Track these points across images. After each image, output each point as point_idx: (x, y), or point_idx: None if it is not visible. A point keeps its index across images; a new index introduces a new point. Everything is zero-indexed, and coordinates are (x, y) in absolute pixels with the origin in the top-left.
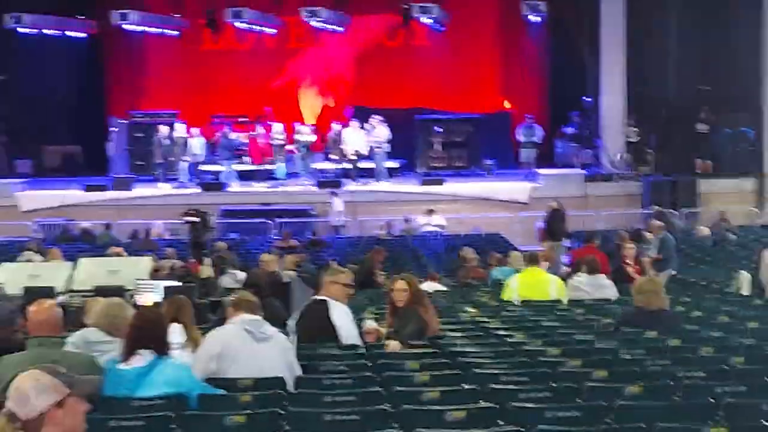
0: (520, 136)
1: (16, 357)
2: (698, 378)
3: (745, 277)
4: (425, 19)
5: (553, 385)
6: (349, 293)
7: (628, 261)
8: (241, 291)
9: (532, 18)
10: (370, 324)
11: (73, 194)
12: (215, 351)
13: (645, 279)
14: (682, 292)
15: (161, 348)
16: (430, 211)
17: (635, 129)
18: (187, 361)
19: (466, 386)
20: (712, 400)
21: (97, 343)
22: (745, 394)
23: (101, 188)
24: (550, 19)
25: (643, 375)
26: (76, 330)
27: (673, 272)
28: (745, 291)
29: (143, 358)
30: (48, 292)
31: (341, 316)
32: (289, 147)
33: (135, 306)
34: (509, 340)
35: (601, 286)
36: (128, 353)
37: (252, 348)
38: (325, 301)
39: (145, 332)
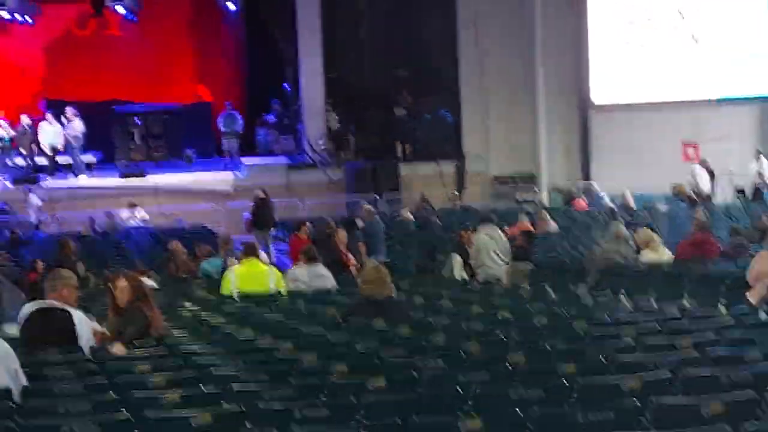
0: (221, 126)
1: None
2: (438, 368)
3: (457, 260)
4: (118, 8)
5: (294, 382)
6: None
7: (341, 249)
8: None
9: (228, 5)
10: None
11: None
12: None
13: (370, 268)
14: (396, 278)
15: None
16: (132, 205)
17: (335, 116)
18: None
19: (205, 388)
20: (459, 391)
21: None
22: (489, 383)
23: None
24: (246, 7)
25: (382, 367)
26: None
27: (383, 259)
28: (458, 274)
29: None
30: None
31: (82, 323)
32: None
33: None
34: (239, 337)
35: (320, 276)
36: None
37: None
38: (65, 310)
39: None
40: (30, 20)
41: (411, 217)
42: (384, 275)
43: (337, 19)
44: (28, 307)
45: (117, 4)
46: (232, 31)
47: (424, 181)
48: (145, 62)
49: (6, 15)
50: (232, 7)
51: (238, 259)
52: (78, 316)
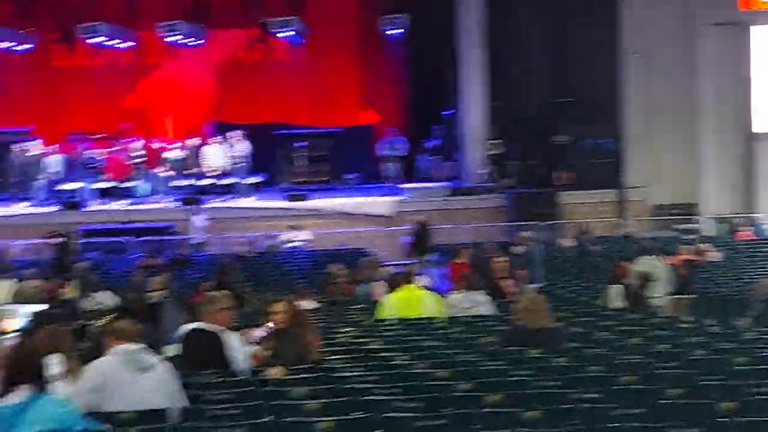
0: (383, 150)
1: None
2: (593, 400)
3: (615, 289)
4: (284, 33)
5: (448, 410)
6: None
7: (500, 275)
8: (118, 318)
9: (391, 31)
10: (251, 348)
11: None
12: (95, 383)
13: (527, 296)
14: (553, 306)
15: (39, 383)
16: (294, 227)
17: (497, 141)
18: (67, 393)
19: (358, 415)
20: (615, 424)
21: None
22: (644, 417)
23: None
24: (410, 33)
25: (536, 398)
26: None
27: (539, 286)
28: (616, 304)
29: (20, 394)
30: None
31: (235, 346)
32: (150, 163)
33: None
34: (394, 362)
35: (478, 303)
36: (4, 389)
37: (134, 379)
38: (215, 333)
39: (22, 367)
40: (199, 44)
41: (571, 244)
42: (541, 304)
43: (500, 46)
44: (184, 329)
45: (284, 30)
46: (397, 57)
47: (585, 209)
48: (310, 85)
49: (176, 39)
50: (396, 32)
51: (390, 284)
52: (230, 339)
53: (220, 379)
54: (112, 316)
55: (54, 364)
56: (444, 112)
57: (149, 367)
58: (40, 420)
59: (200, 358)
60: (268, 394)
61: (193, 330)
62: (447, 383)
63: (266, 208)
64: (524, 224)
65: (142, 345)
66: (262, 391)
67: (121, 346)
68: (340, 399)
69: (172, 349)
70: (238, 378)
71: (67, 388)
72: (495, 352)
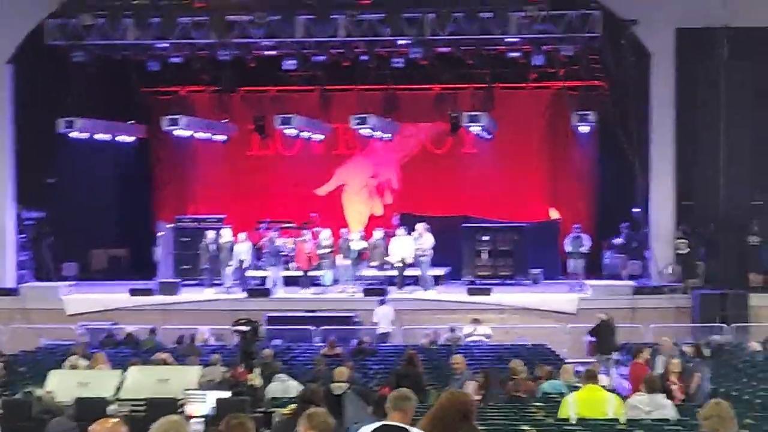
0: (568, 246)
1: None
2: None
3: None
4: (474, 128)
5: None
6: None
7: (672, 378)
8: (301, 408)
9: (581, 128)
10: None
11: (119, 298)
12: None
13: (712, 402)
14: (740, 413)
15: None
16: (476, 320)
17: (685, 241)
18: None
19: None
20: None
21: None
22: None
23: (146, 292)
24: (599, 129)
25: None
26: None
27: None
28: None
29: None
30: (100, 404)
31: None
32: (337, 253)
33: (186, 417)
34: None
35: (661, 406)
36: None
37: None
38: (406, 429)
39: None
40: (388, 136)
41: (759, 348)
42: (725, 410)
43: (691, 145)
44: (369, 427)
45: (473, 124)
46: (585, 153)
47: None
48: (497, 180)
49: (367, 132)
50: (585, 129)
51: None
52: None
53: None
54: (294, 405)
55: None
56: (632, 210)
57: None
58: None
59: None
60: None
61: (384, 426)
62: None
63: (449, 301)
64: (710, 326)
65: None
66: None
67: None
68: None
69: None
70: None
71: None
72: None
